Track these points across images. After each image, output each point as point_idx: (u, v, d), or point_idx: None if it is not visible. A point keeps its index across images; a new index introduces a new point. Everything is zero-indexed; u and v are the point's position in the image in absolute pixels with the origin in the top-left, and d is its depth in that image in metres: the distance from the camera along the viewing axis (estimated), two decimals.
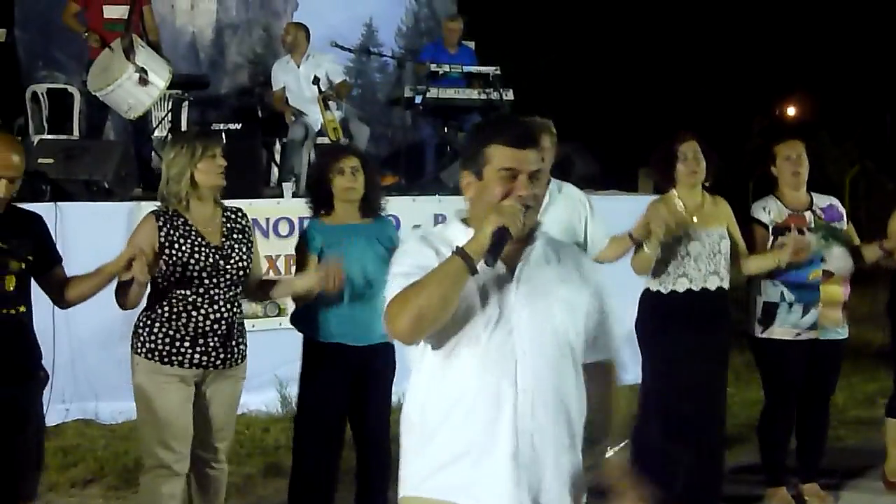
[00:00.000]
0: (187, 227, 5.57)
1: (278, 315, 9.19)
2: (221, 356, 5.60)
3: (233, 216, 5.79)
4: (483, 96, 11.74)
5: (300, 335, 6.28)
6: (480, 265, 3.37)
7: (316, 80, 11.03)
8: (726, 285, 6.58)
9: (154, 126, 11.17)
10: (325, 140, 11.16)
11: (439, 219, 9.40)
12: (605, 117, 23.70)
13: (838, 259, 6.80)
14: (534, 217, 3.53)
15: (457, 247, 3.37)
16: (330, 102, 11.06)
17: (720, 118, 25.00)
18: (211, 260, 5.55)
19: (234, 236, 5.70)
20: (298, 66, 11.44)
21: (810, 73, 27.71)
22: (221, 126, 11.10)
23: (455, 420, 3.47)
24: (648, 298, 6.64)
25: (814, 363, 6.92)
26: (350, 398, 6.10)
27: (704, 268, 6.49)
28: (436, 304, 3.33)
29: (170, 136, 9.90)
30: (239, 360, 5.74)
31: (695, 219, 6.52)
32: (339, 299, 5.95)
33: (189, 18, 13.81)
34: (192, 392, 5.61)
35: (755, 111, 26.10)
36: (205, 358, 5.55)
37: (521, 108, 12.24)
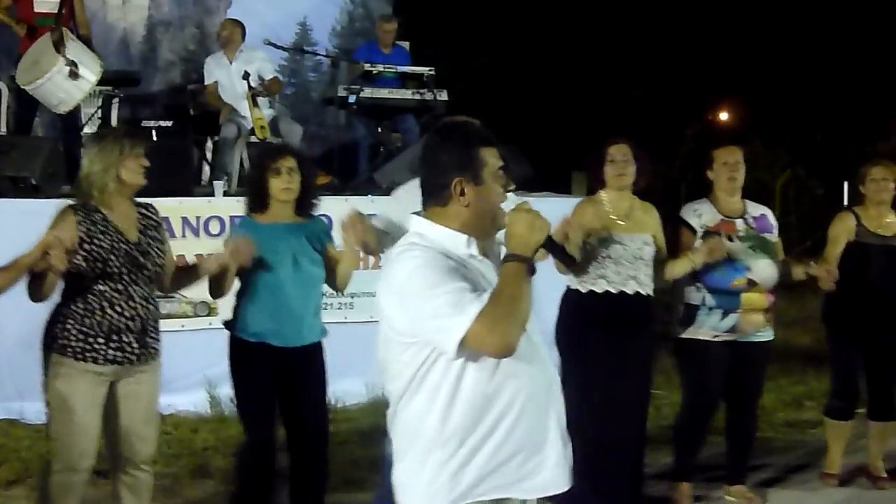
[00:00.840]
0: (106, 223, 5.51)
1: (208, 315, 9.12)
2: (137, 352, 5.53)
3: (146, 212, 5.74)
4: (417, 97, 11.71)
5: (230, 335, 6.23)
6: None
7: (246, 76, 10.97)
8: (646, 291, 6.57)
9: (84, 123, 11.02)
10: (256, 139, 11.11)
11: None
12: (539, 120, 23.76)
13: (763, 270, 6.79)
14: None
15: (513, 254, 3.48)
16: (259, 100, 11.01)
17: (654, 122, 25.15)
18: (130, 256, 5.50)
19: (150, 233, 5.66)
20: (231, 62, 11.37)
21: (743, 79, 27.96)
22: (153, 123, 11.00)
23: (511, 418, 3.53)
24: (567, 296, 6.67)
25: (737, 365, 6.92)
26: (283, 400, 6.05)
27: (624, 271, 6.49)
28: (526, 313, 3.43)
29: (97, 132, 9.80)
30: (154, 357, 5.67)
31: (620, 222, 6.56)
32: (269, 299, 5.94)
33: (121, 14, 13.65)
34: (105, 392, 5.53)
35: (689, 116, 26.26)
36: (119, 354, 5.48)
37: (456, 110, 12.22)
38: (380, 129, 11.97)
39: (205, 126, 11.57)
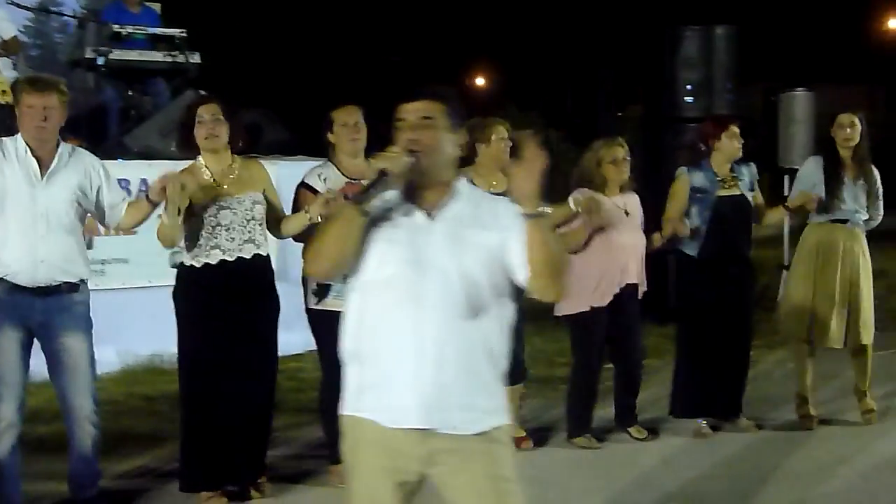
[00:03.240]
0: None
1: None
2: None
3: None
4: (168, 59, 11.53)
5: None
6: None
7: None
8: (265, 252, 6.46)
9: None
10: None
11: (122, 184, 9.14)
12: (297, 84, 23.64)
13: None
14: (429, 161, 3.83)
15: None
16: (1, 60, 10.60)
17: (413, 87, 25.30)
18: None
19: None
20: None
21: (497, 44, 28.40)
22: None
23: (374, 349, 3.86)
24: (181, 274, 6.43)
25: None
26: None
27: (238, 237, 6.32)
28: (334, 246, 3.82)
29: None
30: None
31: (224, 186, 6.34)
32: None
33: None
34: None
35: (446, 81, 26.55)
36: None
37: (208, 73, 12.05)
38: (130, 93, 11.71)
39: None
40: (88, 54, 11.27)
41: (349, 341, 3.98)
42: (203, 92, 10.76)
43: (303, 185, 6.76)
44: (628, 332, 7.87)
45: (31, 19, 12.53)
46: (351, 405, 3.98)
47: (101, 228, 8.14)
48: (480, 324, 3.83)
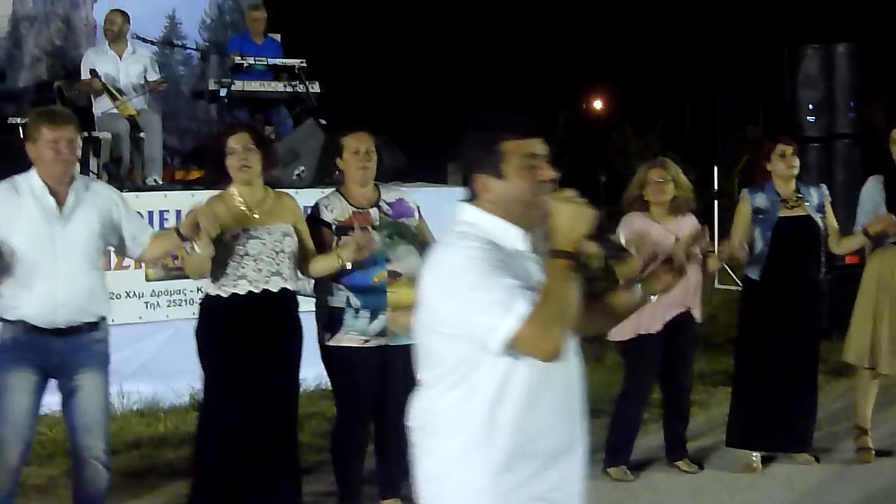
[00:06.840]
0: None
1: None
2: None
3: None
4: (289, 89, 11.70)
5: None
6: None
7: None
8: (293, 286, 6.25)
9: None
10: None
11: None
12: (414, 111, 23.78)
13: (405, 258, 6.34)
14: None
15: (554, 250, 3.27)
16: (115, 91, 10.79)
17: (528, 111, 25.29)
18: None
19: None
20: (120, 57, 11.13)
21: (614, 67, 28.28)
22: (19, 120, 10.79)
23: (551, 420, 3.40)
24: (207, 304, 6.24)
25: (385, 372, 6.41)
26: None
27: (265, 268, 6.10)
28: (572, 314, 3.26)
29: None
30: None
31: (255, 215, 6.17)
32: None
33: None
34: None
35: (561, 104, 26.51)
36: None
37: (328, 101, 12.21)
38: (252, 123, 11.91)
39: None
40: (211, 86, 11.48)
41: (513, 419, 3.36)
42: (323, 120, 10.90)
43: (316, 221, 6.44)
44: (680, 362, 7.58)
45: (155, 52, 12.76)
46: (509, 494, 3.37)
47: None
48: None
